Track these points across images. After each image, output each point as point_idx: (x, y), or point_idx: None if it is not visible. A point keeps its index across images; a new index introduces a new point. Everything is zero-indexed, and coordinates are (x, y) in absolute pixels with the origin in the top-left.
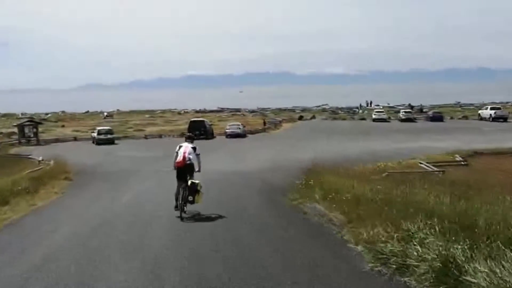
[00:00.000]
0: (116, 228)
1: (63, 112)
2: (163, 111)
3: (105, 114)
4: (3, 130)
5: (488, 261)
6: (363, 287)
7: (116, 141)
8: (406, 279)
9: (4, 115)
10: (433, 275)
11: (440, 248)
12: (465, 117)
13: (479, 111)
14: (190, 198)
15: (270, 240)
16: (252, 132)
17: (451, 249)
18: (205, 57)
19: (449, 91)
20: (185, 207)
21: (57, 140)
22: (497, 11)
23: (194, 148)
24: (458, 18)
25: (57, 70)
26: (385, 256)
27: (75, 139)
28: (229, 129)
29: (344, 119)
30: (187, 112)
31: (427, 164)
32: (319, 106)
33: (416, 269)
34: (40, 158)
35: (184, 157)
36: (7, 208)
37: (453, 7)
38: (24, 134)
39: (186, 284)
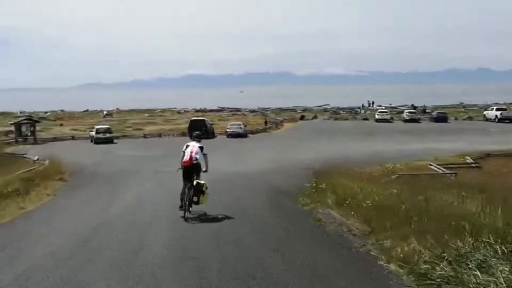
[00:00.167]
0: (110, 242)
1: (62, 110)
2: (163, 110)
3: (105, 112)
4: (1, 129)
5: None
6: None
7: (115, 140)
8: None
9: (2, 114)
10: None
11: (510, 275)
12: (470, 118)
13: (485, 112)
14: (195, 198)
15: (284, 254)
16: (253, 132)
17: None
18: (205, 56)
19: (450, 91)
20: (190, 208)
21: (55, 139)
22: (497, 11)
23: (201, 148)
24: (457, 18)
25: (57, 70)
26: (434, 282)
27: (73, 138)
28: (230, 128)
29: (346, 119)
30: (187, 111)
31: (438, 166)
32: (320, 106)
33: None
34: (36, 158)
35: (191, 157)
36: None
37: (452, 7)
38: (21, 132)
39: None
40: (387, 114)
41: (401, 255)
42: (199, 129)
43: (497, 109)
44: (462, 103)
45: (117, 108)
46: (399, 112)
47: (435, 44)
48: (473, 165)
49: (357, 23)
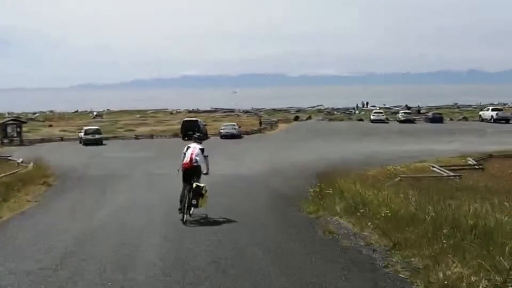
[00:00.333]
0: (88, 265)
1: (51, 111)
2: (155, 111)
3: (95, 113)
4: None
5: None
6: None
7: (104, 142)
8: None
9: None
10: None
11: None
12: (465, 118)
13: (480, 112)
14: (194, 201)
15: (293, 274)
16: (247, 133)
17: None
18: (204, 56)
19: (443, 92)
20: (189, 211)
21: (42, 140)
22: (488, 12)
23: (202, 150)
24: (451, 20)
25: (57, 70)
26: None
27: (62, 139)
28: (224, 129)
29: (341, 119)
30: (179, 112)
31: (441, 168)
32: (314, 106)
33: None
34: (20, 160)
35: (191, 159)
36: None
37: (447, 8)
38: (6, 133)
39: None
40: (383, 115)
41: (446, 281)
42: (192, 130)
43: (493, 109)
44: (456, 103)
45: (108, 109)
46: (393, 113)
47: (428, 46)
48: (476, 166)
49: (351, 25)
